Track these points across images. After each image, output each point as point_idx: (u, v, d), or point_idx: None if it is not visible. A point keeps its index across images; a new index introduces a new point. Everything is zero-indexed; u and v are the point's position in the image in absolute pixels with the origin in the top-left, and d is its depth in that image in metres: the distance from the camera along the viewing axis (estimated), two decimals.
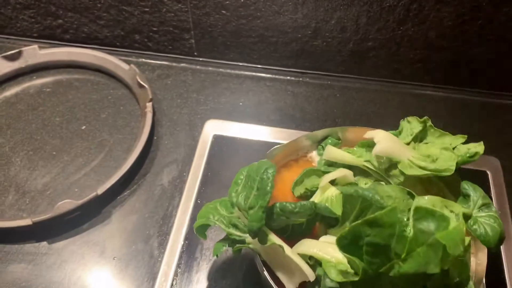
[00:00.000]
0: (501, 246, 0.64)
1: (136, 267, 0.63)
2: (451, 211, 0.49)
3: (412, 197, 0.51)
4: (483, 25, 0.73)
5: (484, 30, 0.74)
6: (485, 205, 0.53)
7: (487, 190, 0.70)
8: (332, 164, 0.59)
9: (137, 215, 0.69)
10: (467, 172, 0.71)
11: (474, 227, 0.51)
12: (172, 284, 0.60)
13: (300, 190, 0.57)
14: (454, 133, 0.77)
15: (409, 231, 0.42)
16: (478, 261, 0.53)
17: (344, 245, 0.43)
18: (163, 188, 0.71)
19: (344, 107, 0.83)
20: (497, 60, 0.78)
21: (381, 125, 0.78)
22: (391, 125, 0.79)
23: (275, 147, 0.60)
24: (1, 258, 0.64)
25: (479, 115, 0.81)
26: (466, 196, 0.54)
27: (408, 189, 0.51)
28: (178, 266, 0.62)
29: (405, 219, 0.45)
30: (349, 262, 0.44)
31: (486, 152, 0.74)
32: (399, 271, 0.41)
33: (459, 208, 0.50)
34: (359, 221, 0.42)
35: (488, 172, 0.72)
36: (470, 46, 0.76)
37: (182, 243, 0.64)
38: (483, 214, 0.53)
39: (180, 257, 0.63)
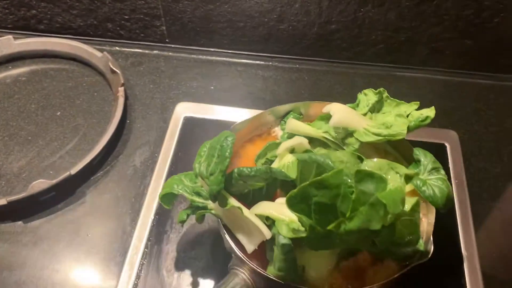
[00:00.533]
0: (457, 212, 0.67)
1: (109, 243, 0.66)
2: (397, 173, 0.52)
3: (363, 161, 0.54)
4: (439, 4, 0.76)
5: (441, 10, 0.77)
6: (435, 169, 0.56)
7: (445, 162, 0.73)
8: (293, 137, 0.62)
9: (110, 194, 0.71)
10: (426, 145, 0.74)
11: (423, 188, 0.54)
12: (142, 256, 0.63)
13: (262, 161, 0.60)
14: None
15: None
16: (430, 221, 0.56)
17: (294, 204, 0.46)
18: (135, 169, 0.74)
19: (311, 89, 0.86)
20: (454, 39, 0.81)
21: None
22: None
23: (239, 121, 0.63)
24: None
25: (439, 92, 0.85)
26: (418, 162, 0.58)
27: (358, 154, 0.54)
28: (148, 239, 0.64)
29: (350, 181, 0.49)
30: (299, 220, 0.47)
31: (444, 126, 0.79)
32: (345, 229, 0.44)
33: (403, 169, 0.53)
34: (307, 182, 0.45)
35: (447, 145, 0.75)
36: (428, 26, 0.80)
37: (153, 218, 0.66)
38: (433, 177, 0.56)
39: (151, 231, 0.65)
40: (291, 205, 0.46)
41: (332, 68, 0.89)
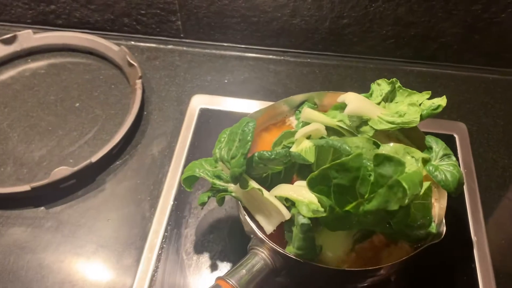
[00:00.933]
0: (466, 200, 0.69)
1: (129, 227, 0.68)
2: (412, 157, 0.55)
3: (378, 147, 0.56)
4: None
5: (449, 5, 0.79)
6: (446, 155, 0.58)
7: (454, 152, 0.75)
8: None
9: (129, 182, 0.73)
10: (436, 136, 0.77)
11: (435, 173, 0.56)
12: (162, 240, 0.65)
13: (279, 148, 0.62)
14: None
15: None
16: (441, 206, 0.58)
17: (314, 185, 0.48)
18: (153, 158, 0.76)
19: (323, 83, 0.88)
20: (462, 34, 0.83)
21: None
22: None
23: (255, 111, 0.65)
24: (2, 222, 0.68)
25: (448, 86, 0.87)
26: (429, 148, 0.60)
27: (374, 139, 0.56)
28: (168, 224, 0.66)
29: (369, 164, 0.51)
30: (319, 201, 0.49)
31: (454, 118, 0.81)
32: (363, 209, 0.46)
33: (419, 154, 0.55)
34: (327, 165, 0.47)
35: (456, 136, 0.77)
36: (437, 21, 0.82)
37: (172, 203, 0.69)
38: (444, 163, 0.58)
39: (170, 216, 0.67)
40: (312, 186, 0.48)
41: (343, 62, 0.91)
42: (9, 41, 0.88)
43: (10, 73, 0.89)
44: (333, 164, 0.45)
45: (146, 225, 0.68)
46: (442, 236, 0.53)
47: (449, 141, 0.76)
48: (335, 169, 0.46)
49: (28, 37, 0.90)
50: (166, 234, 0.65)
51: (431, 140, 0.60)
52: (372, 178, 0.45)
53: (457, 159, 0.74)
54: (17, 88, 0.86)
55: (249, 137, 0.52)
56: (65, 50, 0.92)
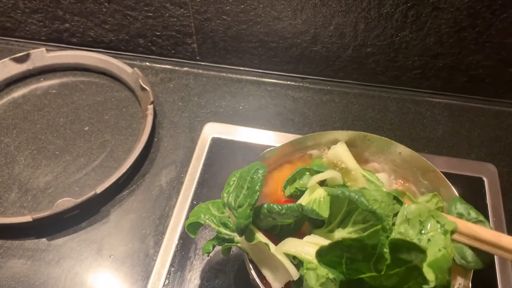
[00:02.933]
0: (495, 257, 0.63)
1: (131, 265, 0.65)
2: (438, 222, 0.49)
3: (399, 202, 0.52)
4: (481, 31, 0.73)
5: (482, 37, 0.74)
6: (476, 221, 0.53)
7: (483, 197, 0.70)
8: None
9: (134, 214, 0.70)
10: (463, 178, 0.72)
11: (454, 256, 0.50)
12: (164, 283, 0.61)
13: (290, 190, 0.58)
14: (452, 140, 0.78)
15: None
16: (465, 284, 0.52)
17: (324, 256, 0.43)
18: (161, 189, 0.73)
19: (343, 112, 0.84)
20: (495, 67, 0.78)
21: (378, 130, 0.80)
22: (388, 130, 0.81)
23: (268, 149, 0.61)
24: (2, 253, 0.66)
25: (477, 121, 0.81)
26: (460, 216, 0.54)
27: (394, 195, 0.51)
28: (171, 265, 0.63)
29: (387, 226, 0.46)
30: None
31: (482, 158, 0.76)
32: (380, 283, 0.41)
33: (445, 219, 0.49)
34: (340, 239, 0.41)
35: (485, 179, 0.72)
36: (468, 53, 0.77)
37: (177, 242, 0.65)
38: None
39: (174, 256, 0.64)
40: (322, 256, 0.43)
41: (365, 91, 0.87)
42: (22, 60, 0.87)
43: (22, 91, 0.87)
44: (346, 239, 0.41)
45: (149, 264, 0.64)
46: None
47: (477, 184, 0.71)
48: (349, 245, 0.41)
49: (41, 56, 0.88)
50: (168, 276, 0.62)
51: (460, 207, 0.54)
52: (388, 260, 0.40)
53: (485, 205, 0.69)
54: (27, 108, 0.84)
55: (257, 187, 0.48)
56: (78, 70, 0.90)
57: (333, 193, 0.50)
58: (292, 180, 0.59)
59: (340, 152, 0.60)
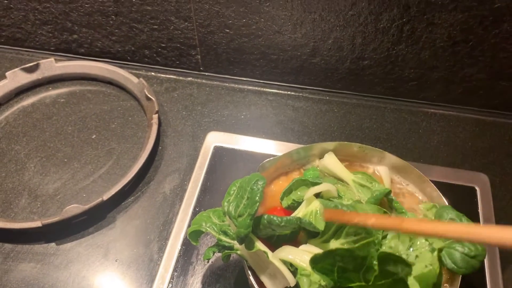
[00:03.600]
0: (485, 264, 0.66)
1: (136, 270, 0.68)
2: (426, 240, 0.51)
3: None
4: (474, 46, 0.76)
5: (475, 51, 0.76)
6: None
7: (474, 207, 0.72)
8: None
9: (139, 220, 0.73)
10: (456, 188, 0.74)
11: (446, 261, 0.52)
12: (168, 287, 0.64)
13: (287, 202, 0.60)
14: (446, 150, 0.80)
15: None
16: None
17: (317, 263, 0.46)
18: (164, 196, 0.76)
19: (341, 122, 0.87)
20: (488, 80, 0.80)
21: (375, 140, 0.82)
22: (385, 140, 0.83)
23: (267, 160, 0.64)
24: (13, 257, 0.69)
25: (471, 131, 0.84)
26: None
27: (384, 209, 0.54)
28: (174, 269, 0.66)
29: (377, 240, 0.49)
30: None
31: (475, 168, 0.78)
32: None
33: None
34: (334, 249, 0.45)
35: (477, 188, 0.74)
36: (462, 66, 0.79)
37: (180, 248, 0.68)
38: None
39: (177, 261, 0.67)
40: (315, 263, 0.46)
41: (363, 102, 0.89)
42: (31, 70, 0.90)
43: (31, 100, 0.91)
44: (339, 249, 0.44)
45: (153, 268, 0.67)
46: None
47: (469, 194, 0.73)
48: (341, 255, 0.44)
49: (50, 66, 0.91)
50: (172, 280, 0.65)
51: (453, 216, 0.56)
52: (377, 271, 0.43)
53: (477, 214, 0.72)
54: (36, 116, 0.87)
55: (257, 198, 0.51)
56: (85, 79, 0.93)
57: (327, 206, 0.53)
58: (288, 192, 0.62)
59: (329, 163, 0.63)
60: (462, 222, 0.53)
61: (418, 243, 0.48)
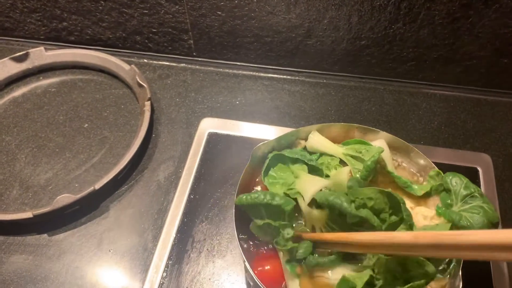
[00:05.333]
0: None
1: (130, 259, 0.66)
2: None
3: (391, 196, 0.51)
4: (474, 22, 0.73)
5: (476, 28, 0.74)
6: (470, 196, 0.54)
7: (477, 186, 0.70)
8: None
9: (133, 209, 0.71)
10: (457, 169, 0.72)
11: (461, 223, 0.52)
12: (162, 276, 0.63)
13: (268, 180, 0.58)
14: (447, 131, 0.78)
15: None
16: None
17: None
18: (159, 184, 0.74)
19: (339, 105, 0.84)
20: (490, 57, 0.78)
21: (375, 122, 0.80)
22: (384, 122, 0.81)
23: (262, 143, 0.61)
24: (4, 249, 0.68)
25: (472, 112, 0.82)
26: (448, 191, 0.56)
27: (387, 191, 0.52)
28: (169, 258, 0.64)
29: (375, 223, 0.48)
30: None
31: (477, 148, 0.76)
32: None
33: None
34: None
35: (479, 169, 0.72)
36: (462, 44, 0.77)
37: (174, 236, 0.66)
38: (467, 206, 0.54)
39: (172, 250, 0.65)
40: None
41: (361, 84, 0.87)
42: (21, 59, 0.88)
43: (22, 90, 0.89)
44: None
45: (148, 258, 0.66)
46: None
47: (471, 174, 0.71)
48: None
49: (40, 55, 0.89)
50: (166, 269, 0.63)
51: (449, 181, 0.55)
52: None
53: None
54: (27, 107, 0.85)
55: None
56: (76, 68, 0.91)
57: (321, 200, 0.52)
58: (267, 170, 0.59)
59: (316, 142, 0.61)
60: (466, 186, 0.55)
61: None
